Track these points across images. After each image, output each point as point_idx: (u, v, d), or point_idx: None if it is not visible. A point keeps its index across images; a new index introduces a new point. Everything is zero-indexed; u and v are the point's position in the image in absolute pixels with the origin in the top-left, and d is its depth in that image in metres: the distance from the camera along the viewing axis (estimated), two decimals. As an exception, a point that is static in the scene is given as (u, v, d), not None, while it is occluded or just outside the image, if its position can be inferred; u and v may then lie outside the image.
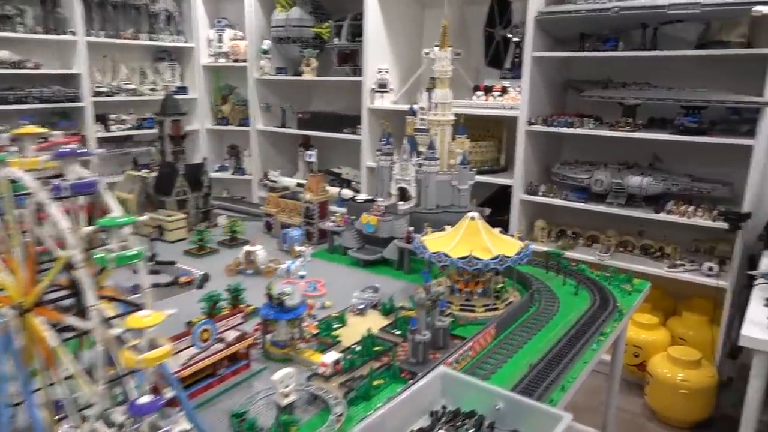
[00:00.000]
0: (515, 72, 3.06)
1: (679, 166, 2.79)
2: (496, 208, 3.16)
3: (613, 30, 2.67)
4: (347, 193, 3.46)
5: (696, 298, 2.76)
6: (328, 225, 2.19)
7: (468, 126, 3.46)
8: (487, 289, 1.65)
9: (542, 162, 3.05)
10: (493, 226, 3.05)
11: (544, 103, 2.97)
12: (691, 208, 2.47)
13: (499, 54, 3.28)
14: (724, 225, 2.34)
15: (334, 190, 3.78)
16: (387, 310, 1.60)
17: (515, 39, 3.10)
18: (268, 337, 1.36)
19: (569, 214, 2.89)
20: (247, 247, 1.92)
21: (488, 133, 3.30)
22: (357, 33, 3.44)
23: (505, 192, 3.07)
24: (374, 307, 1.64)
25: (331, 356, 1.26)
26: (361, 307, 1.60)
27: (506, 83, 3.06)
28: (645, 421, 2.43)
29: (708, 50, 2.38)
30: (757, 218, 2.57)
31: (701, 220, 2.41)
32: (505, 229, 2.96)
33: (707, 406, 2.32)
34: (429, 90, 2.22)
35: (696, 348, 2.51)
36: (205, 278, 1.83)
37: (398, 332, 1.47)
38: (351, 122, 3.58)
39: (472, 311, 1.61)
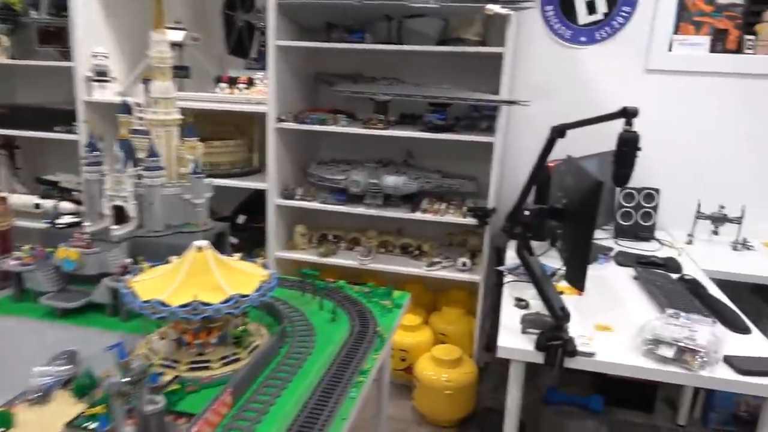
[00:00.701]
0: (262, 62, 2.74)
1: (431, 162, 2.81)
2: (251, 214, 2.84)
3: (359, 21, 2.53)
4: (66, 206, 2.79)
5: (453, 290, 2.82)
6: (11, 264, 1.60)
7: (214, 122, 3.03)
8: (224, 335, 1.32)
9: (299, 162, 2.81)
10: (250, 234, 2.71)
11: (295, 97, 2.72)
12: (443, 206, 2.47)
13: (243, 41, 2.93)
14: (473, 221, 2.37)
15: (48, 204, 3.05)
16: (82, 389, 1.16)
17: (260, 25, 2.79)
18: None
19: (330, 216, 2.70)
20: None
21: (238, 130, 2.94)
22: (62, 6, 2.74)
23: (261, 196, 2.75)
24: (66, 384, 1.19)
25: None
26: (39, 393, 1.13)
27: (253, 75, 2.73)
28: (415, 426, 2.38)
29: (448, 47, 2.37)
30: (500, 211, 2.70)
31: (453, 218, 2.42)
32: (263, 238, 2.67)
33: (470, 401, 2.35)
34: (146, 81, 1.78)
35: (456, 342, 2.54)
36: None
37: (93, 426, 1.05)
38: (65, 118, 2.88)
39: (207, 368, 1.26)
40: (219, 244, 1.81)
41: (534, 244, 2.40)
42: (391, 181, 2.44)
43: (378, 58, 2.79)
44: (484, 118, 2.55)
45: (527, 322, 1.55)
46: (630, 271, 2.12)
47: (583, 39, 2.68)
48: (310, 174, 2.66)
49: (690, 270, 2.15)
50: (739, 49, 2.55)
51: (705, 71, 2.58)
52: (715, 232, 2.56)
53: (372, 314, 1.61)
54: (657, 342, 1.46)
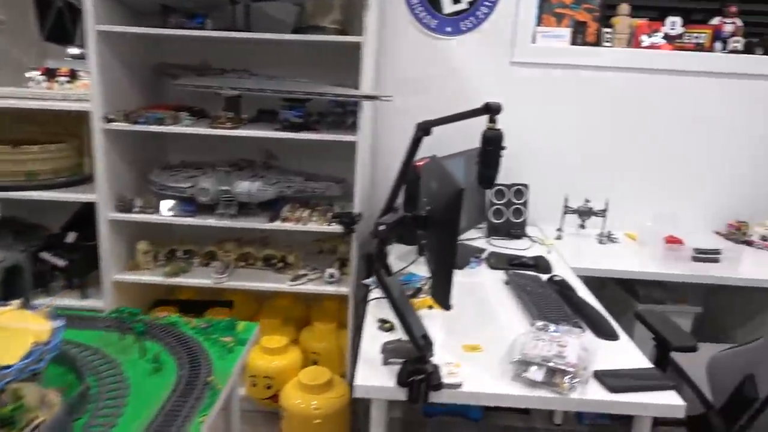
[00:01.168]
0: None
1: (295, 163, 2.57)
2: (85, 230, 2.42)
3: (201, 4, 2.20)
4: None
5: (326, 301, 2.61)
6: None
7: (34, 123, 2.56)
8: (-15, 419, 0.99)
9: (140, 168, 2.43)
10: (83, 254, 2.30)
11: (131, 92, 2.34)
12: (306, 213, 2.23)
13: (65, 25, 2.48)
14: (339, 228, 2.16)
15: None
16: None
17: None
18: None
19: (181, 228, 2.36)
20: None
21: (66, 131, 2.50)
22: None
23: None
24: None
25: None
26: None
27: (77, 66, 2.31)
28: (285, 459, 2.14)
29: (299, 35, 2.12)
30: (370, 214, 2.52)
31: (316, 226, 2.18)
32: (96, 260, 2.27)
33: (343, 427, 2.15)
34: None
35: (328, 361, 2.34)
36: None
37: None
38: None
39: (-44, 468, 0.94)
40: (11, 282, 1.44)
41: (403, 249, 2.26)
42: (245, 187, 2.15)
43: (228, 48, 2.48)
44: (349, 114, 2.34)
45: (388, 352, 1.36)
46: (502, 275, 2.02)
47: (449, 29, 2.56)
48: (150, 182, 2.30)
49: (559, 269, 2.09)
50: (598, 42, 2.55)
51: (567, 64, 2.55)
52: (582, 226, 2.56)
53: (207, 357, 1.34)
54: (525, 363, 1.33)
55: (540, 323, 1.50)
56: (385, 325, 1.55)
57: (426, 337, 1.28)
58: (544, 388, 1.29)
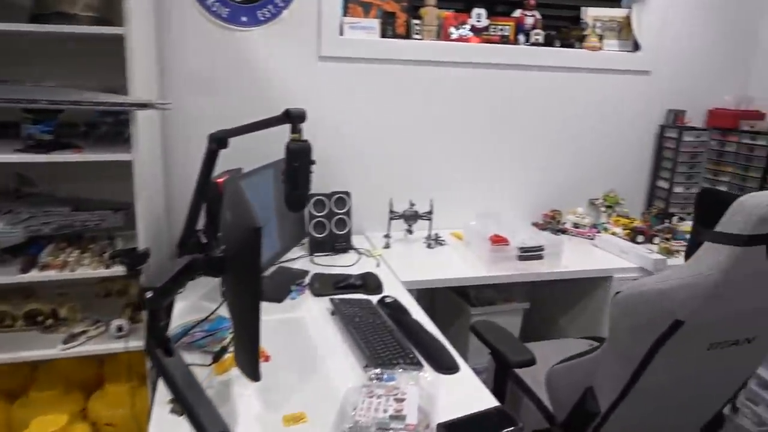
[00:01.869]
0: None
1: (64, 188, 2.03)
2: None
3: None
4: None
5: (122, 353, 2.12)
6: None
7: None
8: None
9: None
10: None
11: None
12: (76, 254, 1.75)
13: None
14: (121, 270, 1.72)
15: None
16: None
17: None
18: None
19: None
20: None
21: None
22: None
23: None
24: None
25: None
26: None
27: None
28: None
29: (42, 25, 1.61)
30: (170, 239, 2.10)
31: (90, 270, 1.71)
32: None
33: None
34: None
35: (127, 431, 1.89)
36: None
37: None
38: None
39: None
40: None
41: (212, 283, 1.89)
42: (-22, 231, 1.61)
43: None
44: (125, 124, 1.88)
45: (179, 455, 1.01)
46: (328, 303, 1.76)
47: (244, 19, 2.21)
48: None
49: (390, 286, 1.89)
50: (408, 34, 2.40)
51: (379, 58, 2.36)
52: (410, 231, 2.41)
53: None
54: (359, 435, 1.08)
55: (373, 372, 1.27)
56: (176, 408, 1.19)
57: (225, 434, 0.96)
58: (383, 463, 1.05)
